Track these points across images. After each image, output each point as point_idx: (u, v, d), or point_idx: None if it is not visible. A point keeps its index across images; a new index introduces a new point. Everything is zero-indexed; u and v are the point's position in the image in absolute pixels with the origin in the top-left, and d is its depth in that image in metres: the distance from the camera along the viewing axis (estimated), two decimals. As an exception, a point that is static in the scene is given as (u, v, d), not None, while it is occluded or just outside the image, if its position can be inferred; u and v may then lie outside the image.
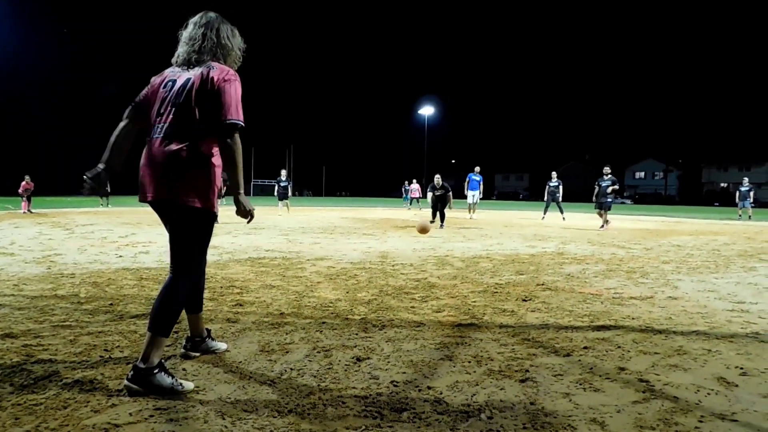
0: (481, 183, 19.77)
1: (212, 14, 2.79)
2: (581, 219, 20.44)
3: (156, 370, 2.38)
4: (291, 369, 2.76)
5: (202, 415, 2.18)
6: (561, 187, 18.72)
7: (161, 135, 2.55)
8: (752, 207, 22.47)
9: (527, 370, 2.78)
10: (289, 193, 20.21)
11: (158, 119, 2.60)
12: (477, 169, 19.68)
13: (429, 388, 2.53)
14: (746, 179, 23.24)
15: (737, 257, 8.12)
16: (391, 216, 20.69)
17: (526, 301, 4.59)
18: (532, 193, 76.58)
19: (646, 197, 76.69)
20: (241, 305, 4.24)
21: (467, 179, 19.40)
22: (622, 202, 69.68)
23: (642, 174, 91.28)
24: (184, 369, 2.72)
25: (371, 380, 2.62)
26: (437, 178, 14.61)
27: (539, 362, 2.93)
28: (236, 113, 2.55)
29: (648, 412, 2.27)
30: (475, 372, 2.76)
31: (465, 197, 19.51)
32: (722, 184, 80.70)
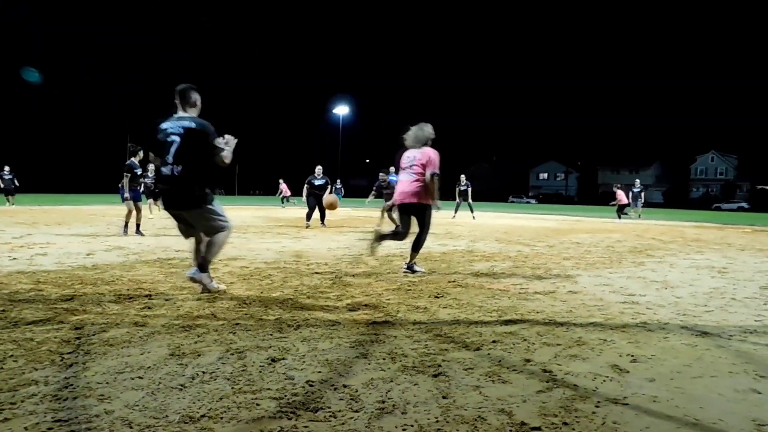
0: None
1: (428, 128, 6.18)
2: (490, 218, 21.26)
3: None
4: (203, 372, 2.68)
5: (107, 425, 2.07)
6: (470, 187, 19.40)
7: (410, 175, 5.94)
8: (642, 207, 24.29)
9: (440, 365, 2.87)
10: None
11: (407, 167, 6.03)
12: (392, 169, 19.52)
13: (344, 386, 2.54)
14: (638, 181, 25.17)
15: (628, 253, 8.78)
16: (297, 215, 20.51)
17: (438, 297, 4.72)
18: (444, 193, 78.54)
19: (549, 197, 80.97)
20: (149, 308, 4.05)
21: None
22: (528, 202, 73.11)
23: (545, 175, 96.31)
24: (85, 376, 2.57)
25: (286, 381, 2.60)
26: (318, 169, 13.66)
27: (451, 357, 3.03)
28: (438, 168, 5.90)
29: (551, 401, 2.42)
30: (389, 369, 2.81)
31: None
32: (615, 185, 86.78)
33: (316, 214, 13.65)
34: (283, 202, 30.07)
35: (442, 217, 20.84)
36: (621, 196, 22.18)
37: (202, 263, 4.55)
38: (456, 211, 20.05)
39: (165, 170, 4.39)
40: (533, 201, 75.64)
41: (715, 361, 3.08)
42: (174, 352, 2.99)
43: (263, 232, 11.61)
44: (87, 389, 2.42)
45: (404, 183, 6.03)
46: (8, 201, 22.18)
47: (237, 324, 3.64)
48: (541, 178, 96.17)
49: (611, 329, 3.76)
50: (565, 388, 2.59)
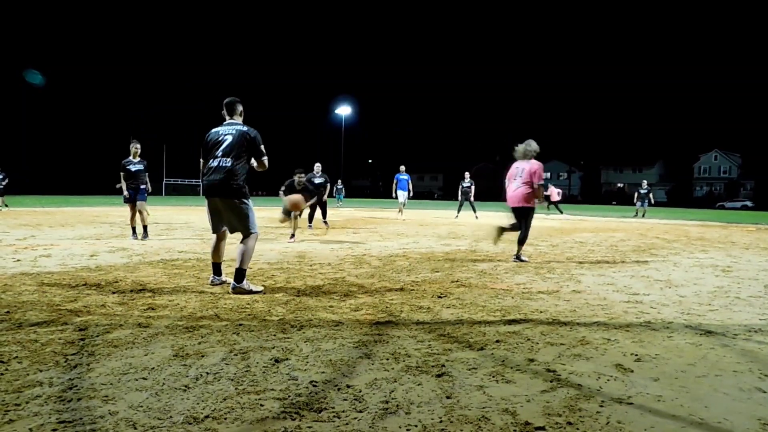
0: (410, 182, 18.92)
1: (533, 144, 7.38)
2: (492, 217, 21.23)
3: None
4: (207, 373, 2.68)
5: (112, 426, 2.08)
6: (473, 186, 19.37)
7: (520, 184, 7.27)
8: (648, 207, 24.37)
9: (443, 365, 2.87)
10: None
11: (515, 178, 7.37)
12: (402, 168, 18.93)
13: (348, 386, 2.54)
14: (645, 182, 25.19)
15: (632, 252, 8.76)
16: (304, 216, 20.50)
17: (441, 297, 4.71)
18: (446, 192, 78.49)
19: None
20: (153, 309, 4.06)
21: (395, 180, 18.68)
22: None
23: (548, 174, 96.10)
24: (90, 377, 2.58)
25: (290, 381, 2.60)
26: (317, 167, 13.28)
27: (454, 357, 3.02)
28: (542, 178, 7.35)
29: (555, 400, 2.41)
30: (393, 369, 2.81)
31: (395, 198, 18.92)
32: (619, 184, 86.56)
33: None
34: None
35: (444, 217, 20.85)
36: (552, 191, 23.32)
37: (239, 273, 4.79)
38: (458, 211, 20.01)
39: (212, 163, 4.90)
40: (536, 201, 75.48)
41: (720, 360, 3.07)
42: (178, 353, 2.99)
43: (266, 233, 11.62)
44: (91, 390, 2.43)
45: (515, 190, 7.34)
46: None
47: (240, 325, 3.65)
48: (544, 177, 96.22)
49: (615, 328, 3.75)
50: (569, 387, 2.58)
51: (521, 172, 7.29)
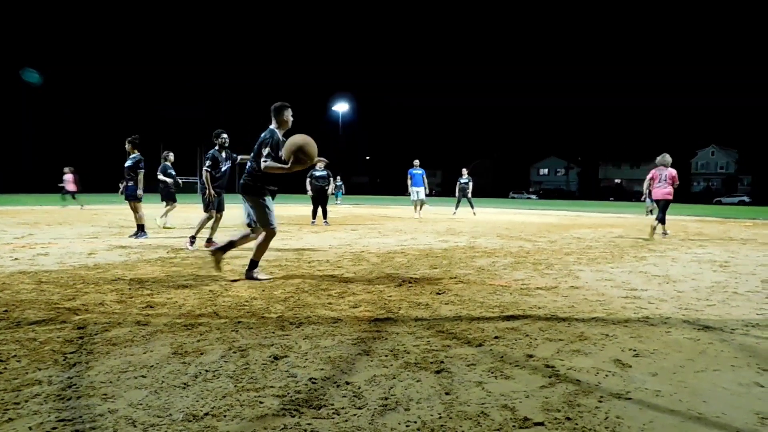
0: (425, 177, 17.67)
1: (668, 156, 10.84)
2: (491, 214, 21.26)
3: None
4: (206, 371, 2.68)
5: (111, 424, 2.08)
6: (471, 183, 19.38)
7: (666, 185, 10.74)
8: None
9: (442, 362, 2.87)
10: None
11: (660, 180, 10.79)
12: (416, 162, 17.63)
13: (347, 383, 2.55)
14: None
15: (630, 248, 8.78)
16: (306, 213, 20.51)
17: (439, 294, 4.72)
18: (444, 189, 78.55)
19: (550, 192, 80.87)
20: (151, 307, 4.06)
21: (409, 175, 17.49)
22: (529, 197, 73.11)
23: (546, 171, 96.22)
24: (89, 375, 2.58)
25: (289, 378, 2.60)
26: (319, 162, 12.99)
27: (453, 353, 3.03)
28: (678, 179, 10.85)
29: (554, 396, 2.42)
30: (392, 365, 2.81)
31: (408, 194, 17.93)
32: (616, 180, 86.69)
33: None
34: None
35: (442, 213, 20.86)
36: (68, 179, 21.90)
37: (252, 261, 5.39)
38: (456, 207, 20.01)
39: (247, 166, 5.58)
40: (534, 197, 75.54)
41: (718, 355, 3.08)
42: (177, 351, 2.99)
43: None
44: (91, 388, 2.43)
45: (662, 187, 10.77)
46: None
47: (239, 322, 3.65)
48: (541, 173, 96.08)
49: (613, 324, 3.76)
50: (567, 383, 2.59)
51: (665, 176, 10.69)
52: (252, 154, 5.43)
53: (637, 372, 2.77)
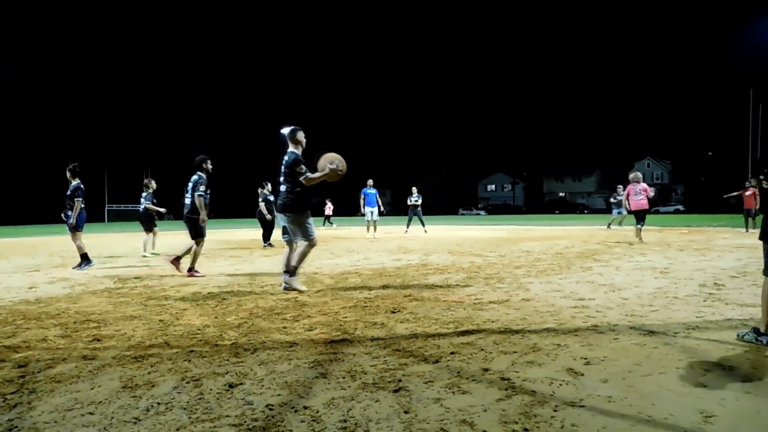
0: (378, 197, 17.95)
1: (639, 174, 12.69)
2: (441, 230, 21.53)
3: None
4: (158, 403, 2.59)
5: (57, 465, 1.98)
6: (421, 200, 19.58)
7: (642, 196, 12.56)
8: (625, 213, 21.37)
9: (400, 380, 2.87)
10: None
11: (636, 194, 12.66)
12: (370, 182, 17.94)
13: (305, 407, 2.51)
14: (620, 187, 21.09)
15: (576, 258, 9.06)
16: (243, 237, 20.20)
17: (394, 312, 4.73)
18: (394, 207, 78.97)
19: (497, 208, 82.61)
20: (98, 340, 3.90)
21: (362, 194, 17.74)
22: (477, 213, 74.45)
23: (493, 186, 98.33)
24: (31, 416, 2.45)
25: (245, 406, 2.54)
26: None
27: (410, 371, 3.04)
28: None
29: (511, 408, 2.46)
30: (349, 387, 2.79)
31: (362, 215, 18.08)
32: (560, 194, 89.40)
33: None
34: (324, 223, 29.45)
35: (395, 232, 20.97)
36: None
37: (293, 270, 6.04)
38: (408, 226, 20.14)
39: (280, 187, 6.09)
40: (483, 212, 76.97)
41: (663, 359, 3.20)
42: (126, 384, 2.88)
43: (215, 255, 11.37)
44: (33, 430, 2.31)
45: (639, 199, 12.46)
46: None
47: (191, 351, 3.54)
48: (489, 189, 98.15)
49: (564, 333, 3.86)
50: (523, 394, 2.63)
51: (638, 190, 12.45)
52: (282, 177, 6.05)
53: (588, 379, 2.85)
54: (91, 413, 2.49)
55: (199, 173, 7.93)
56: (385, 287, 6.23)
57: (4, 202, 56.27)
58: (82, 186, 9.07)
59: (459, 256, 10.13)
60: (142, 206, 12.11)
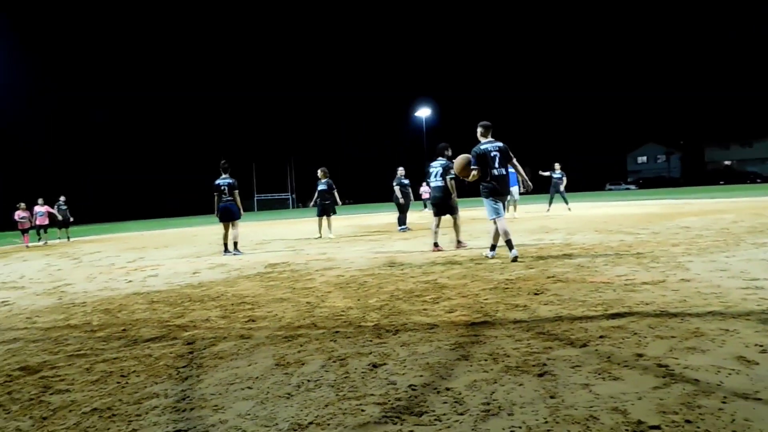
0: (521, 173, 16.72)
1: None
2: (586, 208, 20.39)
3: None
4: (308, 381, 2.75)
5: (222, 433, 2.18)
6: (564, 177, 18.61)
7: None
8: None
9: (544, 364, 2.77)
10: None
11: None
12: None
13: (447, 389, 2.51)
14: None
15: (746, 234, 8.06)
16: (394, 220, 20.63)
17: (537, 294, 4.57)
18: (538, 186, 76.16)
19: (649, 181, 76.41)
20: (253, 321, 4.24)
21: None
22: (627, 188, 69.54)
23: (644, 158, 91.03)
24: (200, 388, 2.72)
25: (389, 386, 2.61)
26: (400, 170, 13.67)
27: (556, 355, 2.91)
28: None
29: (669, 397, 2.25)
30: (492, 370, 2.74)
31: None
32: (726, 162, 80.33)
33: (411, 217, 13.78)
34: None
35: (535, 211, 20.24)
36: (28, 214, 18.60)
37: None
38: (550, 204, 19.30)
39: (495, 172, 6.97)
40: (633, 187, 71.63)
41: None
42: (279, 362, 3.10)
43: (355, 240, 11.82)
44: (202, 400, 2.56)
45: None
46: (57, 234, 20.25)
47: (337, 332, 3.71)
48: (639, 161, 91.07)
49: (733, 318, 3.46)
50: (684, 383, 2.40)
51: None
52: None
53: (765, 369, 2.52)
54: (249, 387, 2.71)
55: (446, 159, 8.96)
56: (526, 268, 6.04)
57: (174, 198, 63.50)
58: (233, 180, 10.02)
59: (606, 234, 9.51)
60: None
